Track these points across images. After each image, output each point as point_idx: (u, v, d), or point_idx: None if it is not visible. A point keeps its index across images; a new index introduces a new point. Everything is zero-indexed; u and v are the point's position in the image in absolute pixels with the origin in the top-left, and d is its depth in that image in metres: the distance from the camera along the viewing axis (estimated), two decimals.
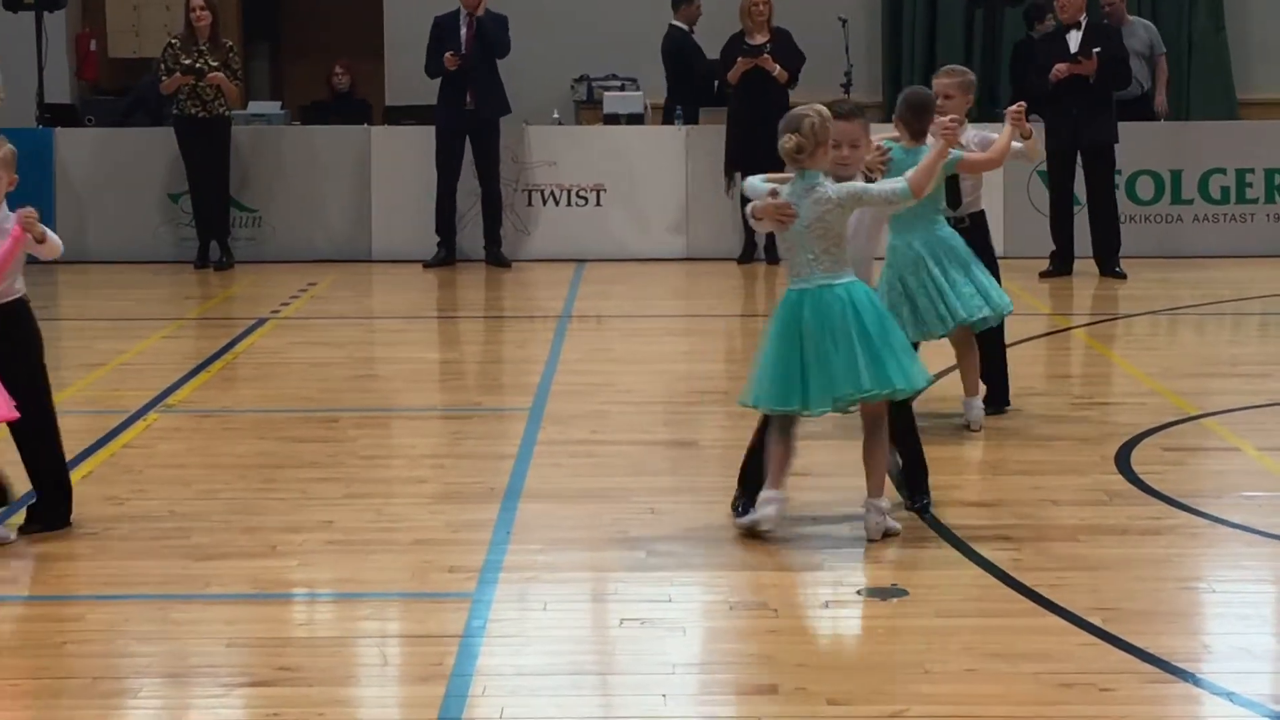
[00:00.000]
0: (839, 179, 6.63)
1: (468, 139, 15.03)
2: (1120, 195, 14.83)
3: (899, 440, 7.00)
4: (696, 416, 9.06)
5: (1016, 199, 15.35)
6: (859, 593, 6.05)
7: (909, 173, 6.66)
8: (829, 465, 8.08)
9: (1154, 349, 11.53)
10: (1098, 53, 13.82)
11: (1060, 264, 14.21)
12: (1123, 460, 7.88)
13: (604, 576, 6.33)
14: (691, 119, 15.82)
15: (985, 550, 6.47)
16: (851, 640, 5.74)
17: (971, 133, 8.52)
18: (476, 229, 15.27)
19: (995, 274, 8.61)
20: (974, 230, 8.66)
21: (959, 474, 7.70)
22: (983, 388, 8.69)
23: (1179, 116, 17.22)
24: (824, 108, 6.60)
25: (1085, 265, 14.20)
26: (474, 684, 5.17)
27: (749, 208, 6.76)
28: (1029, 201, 15.25)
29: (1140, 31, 15.76)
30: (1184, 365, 10.55)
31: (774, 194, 6.58)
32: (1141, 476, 7.58)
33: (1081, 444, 8.28)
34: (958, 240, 8.34)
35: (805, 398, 6.55)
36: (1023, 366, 10.64)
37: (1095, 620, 5.67)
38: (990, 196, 15.19)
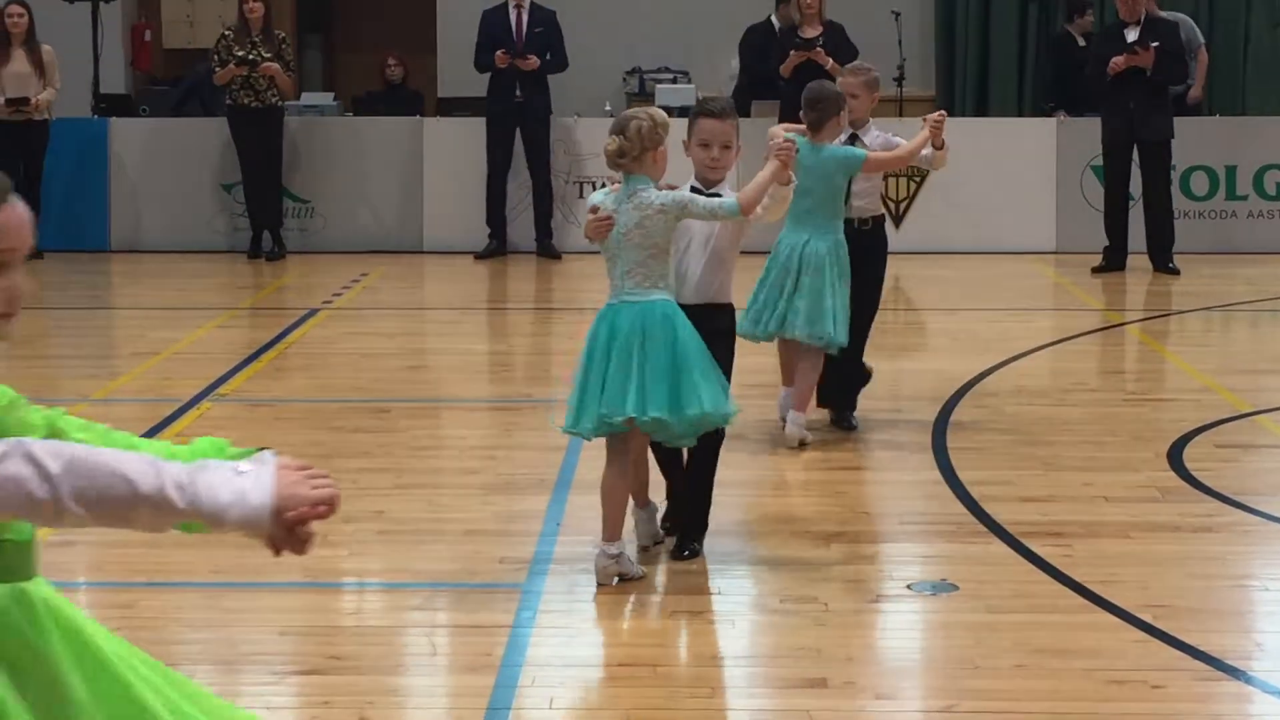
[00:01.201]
0: (708, 181, 6.44)
1: (518, 131, 15.08)
2: (1175, 190, 14.75)
3: (694, 475, 6.58)
4: (745, 408, 9.02)
5: (1069, 194, 15.29)
6: (909, 587, 6.03)
7: (744, 189, 6.33)
8: (881, 460, 8.07)
9: (1207, 345, 11.47)
10: (1155, 46, 13.75)
11: (1113, 259, 14.15)
12: (1175, 457, 7.84)
13: (653, 568, 6.33)
14: (743, 112, 15.78)
15: (1036, 546, 6.45)
16: (901, 635, 5.72)
17: (875, 133, 8.48)
18: (528, 220, 15.30)
19: (880, 284, 8.48)
20: (874, 234, 8.49)
21: (1011, 469, 7.67)
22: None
23: (1235, 112, 17.13)
24: (660, 112, 6.29)
25: (1139, 260, 14.13)
26: (523, 674, 5.18)
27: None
28: (1082, 196, 15.19)
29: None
30: (1237, 362, 10.48)
31: (593, 209, 6.29)
32: (1194, 473, 7.54)
33: (1134, 441, 8.24)
34: (842, 254, 8.12)
35: (579, 418, 6.21)
36: (1075, 362, 10.61)
37: (1146, 617, 5.65)
38: (1043, 191, 15.30)
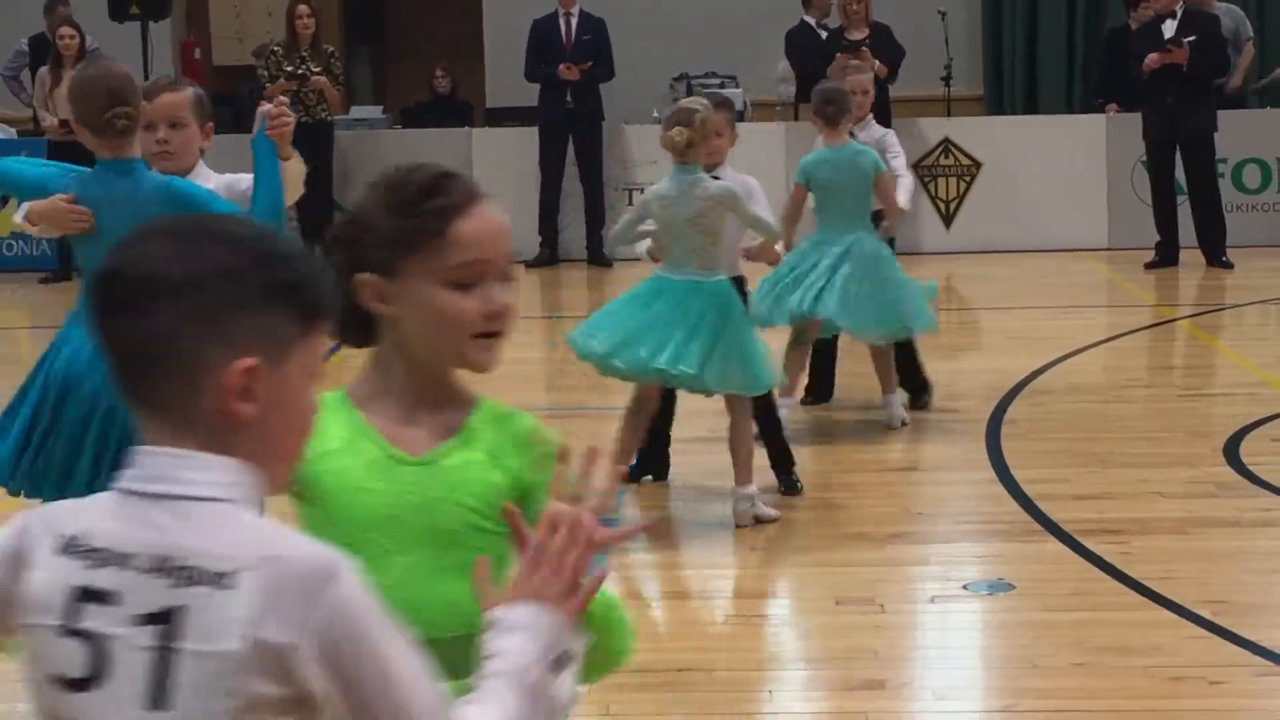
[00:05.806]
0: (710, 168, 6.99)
1: (570, 138, 15.12)
2: (1227, 184, 14.67)
3: (762, 429, 7.24)
4: (800, 410, 9.04)
5: (1120, 190, 15.22)
6: (965, 587, 6.02)
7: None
8: (936, 460, 8.06)
9: (1264, 339, 11.40)
10: (1190, 41, 13.67)
11: (1166, 254, 14.08)
12: (1231, 452, 7.80)
13: (709, 573, 6.34)
14: (796, 115, 15.78)
15: (1093, 544, 6.43)
16: (959, 635, 5.72)
17: (871, 129, 8.89)
18: (579, 228, 15.33)
19: None
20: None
21: (1066, 467, 7.64)
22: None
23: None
24: (708, 102, 6.89)
25: (1192, 255, 14.06)
26: None
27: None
28: (1134, 192, 15.12)
29: (1224, 18, 15.55)
30: None
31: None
32: (1251, 468, 7.50)
33: (1189, 436, 8.20)
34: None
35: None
36: (1129, 359, 10.57)
37: (1205, 613, 5.62)
38: (1094, 187, 15.23)
